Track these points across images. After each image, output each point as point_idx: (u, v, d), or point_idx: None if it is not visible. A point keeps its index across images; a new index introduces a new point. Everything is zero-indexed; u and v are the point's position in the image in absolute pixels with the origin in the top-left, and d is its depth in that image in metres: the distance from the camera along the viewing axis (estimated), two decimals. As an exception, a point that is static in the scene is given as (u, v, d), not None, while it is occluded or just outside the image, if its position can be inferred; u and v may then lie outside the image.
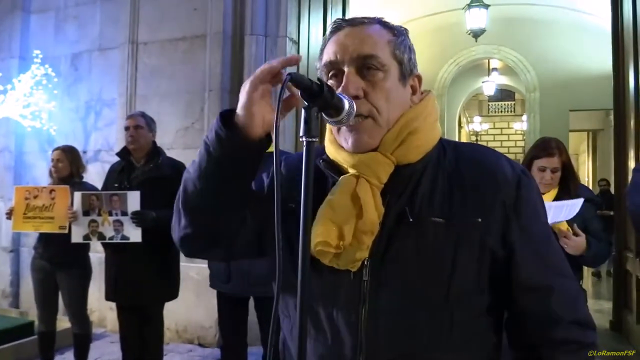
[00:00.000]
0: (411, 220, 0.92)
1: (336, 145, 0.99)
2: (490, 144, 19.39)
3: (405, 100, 0.99)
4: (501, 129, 19.31)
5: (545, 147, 2.60)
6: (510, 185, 0.94)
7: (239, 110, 0.88)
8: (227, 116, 0.90)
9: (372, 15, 1.00)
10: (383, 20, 1.00)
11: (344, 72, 0.94)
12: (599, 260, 2.66)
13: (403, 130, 0.95)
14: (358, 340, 0.94)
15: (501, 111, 19.40)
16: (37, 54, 4.79)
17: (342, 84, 0.93)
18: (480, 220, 0.92)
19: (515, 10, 9.49)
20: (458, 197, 0.93)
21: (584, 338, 0.95)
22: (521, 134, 17.43)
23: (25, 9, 5.27)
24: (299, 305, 0.80)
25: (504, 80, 13.77)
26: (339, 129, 0.97)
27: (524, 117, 13.90)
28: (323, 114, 0.87)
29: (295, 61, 0.89)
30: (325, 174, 1.01)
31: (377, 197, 0.93)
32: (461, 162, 0.97)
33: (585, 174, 13.59)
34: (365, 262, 0.94)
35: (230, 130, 0.87)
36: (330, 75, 0.97)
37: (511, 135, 18.69)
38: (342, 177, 0.96)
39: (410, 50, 1.00)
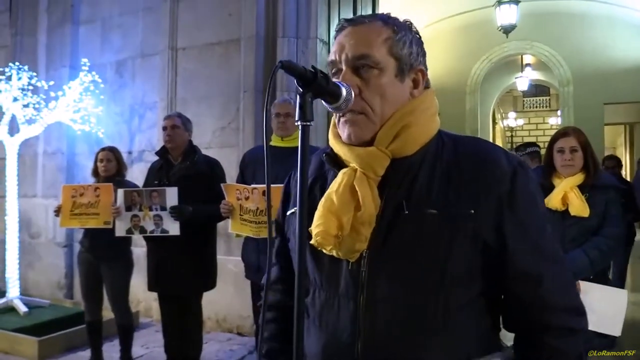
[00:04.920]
0: (407, 212, 0.95)
1: (337, 138, 1.03)
2: (526, 139, 18.96)
3: (403, 95, 1.01)
4: (536, 124, 18.91)
5: (561, 131, 2.71)
6: (505, 178, 0.95)
7: None
8: None
9: (377, 13, 1.07)
10: (387, 16, 1.03)
11: (342, 70, 1.00)
12: (606, 258, 2.57)
13: (397, 125, 0.98)
14: (357, 327, 0.96)
15: (536, 106, 19.00)
16: (84, 62, 5.02)
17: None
18: (473, 211, 0.93)
19: (546, 5, 9.40)
20: (453, 189, 0.95)
21: (576, 324, 0.97)
22: (557, 128, 17.06)
23: (75, 21, 5.54)
24: (297, 288, 0.86)
25: (538, 76, 13.55)
26: (339, 121, 1.02)
27: (559, 112, 13.63)
28: (323, 101, 0.93)
29: None
30: (326, 170, 1.08)
31: (374, 189, 0.97)
32: (459, 155, 0.99)
33: (623, 168, 13.20)
34: (364, 254, 0.97)
35: None
36: (333, 73, 1.02)
37: (546, 131, 18.26)
38: (341, 170, 1.01)
39: (412, 44, 1.02)
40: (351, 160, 1.00)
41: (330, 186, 1.00)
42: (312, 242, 0.98)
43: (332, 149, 1.06)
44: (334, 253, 0.97)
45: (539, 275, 0.96)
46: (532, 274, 0.96)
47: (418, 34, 1.06)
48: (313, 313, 1.05)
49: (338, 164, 1.03)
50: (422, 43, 1.05)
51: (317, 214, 0.98)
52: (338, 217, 0.96)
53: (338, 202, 0.97)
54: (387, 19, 1.03)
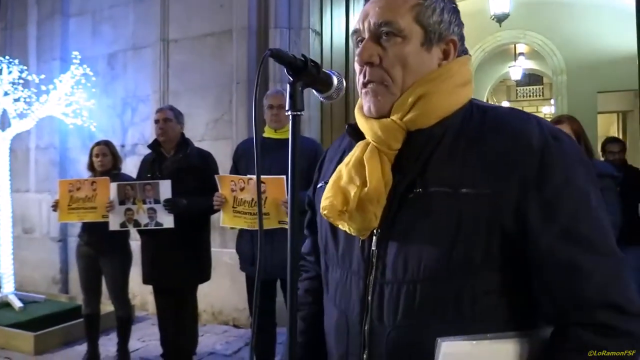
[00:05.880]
0: (419, 190, 0.89)
1: (359, 111, 0.99)
2: (519, 130, 19.06)
3: (429, 66, 0.94)
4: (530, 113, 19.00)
5: (555, 118, 2.73)
6: (534, 154, 0.84)
7: None
8: None
9: None
10: None
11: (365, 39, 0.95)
12: None
13: (414, 94, 0.91)
14: (365, 307, 0.94)
15: (530, 95, 19.04)
16: (75, 55, 4.98)
17: (358, 52, 0.94)
18: (489, 191, 0.84)
19: (539, -7, 9.39)
20: (473, 165, 0.87)
21: (618, 323, 0.80)
22: (550, 117, 17.12)
23: (64, 13, 5.50)
24: (289, 266, 0.85)
25: (531, 65, 13.54)
26: (361, 93, 0.98)
27: (553, 101, 13.66)
28: (314, 91, 0.91)
29: None
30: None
31: (386, 165, 0.92)
32: (485, 127, 0.90)
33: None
34: (375, 232, 0.93)
35: None
36: (357, 42, 0.97)
37: (540, 120, 18.36)
38: (357, 143, 0.97)
39: (443, 12, 0.95)
40: (365, 133, 0.95)
41: (345, 159, 0.97)
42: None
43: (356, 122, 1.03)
44: (347, 229, 0.95)
45: (570, 265, 0.82)
46: (562, 264, 0.82)
47: (454, 2, 0.98)
48: (331, 289, 1.03)
49: (360, 136, 0.99)
50: (457, 12, 0.98)
51: (327, 187, 0.96)
52: (344, 192, 0.93)
53: (345, 176, 0.94)
54: None
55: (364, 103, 0.97)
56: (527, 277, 0.86)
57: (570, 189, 0.84)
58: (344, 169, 0.95)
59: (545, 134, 0.86)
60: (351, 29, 1.01)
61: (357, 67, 0.97)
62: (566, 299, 0.83)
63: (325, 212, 0.94)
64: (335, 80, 0.90)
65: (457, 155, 0.89)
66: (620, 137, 13.12)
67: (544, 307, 0.87)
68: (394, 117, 0.92)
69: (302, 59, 0.85)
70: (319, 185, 1.11)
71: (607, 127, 14.33)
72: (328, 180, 1.01)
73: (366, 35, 0.94)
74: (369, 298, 0.93)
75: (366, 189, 0.90)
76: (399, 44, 0.92)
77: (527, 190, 0.83)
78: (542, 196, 0.83)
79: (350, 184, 0.92)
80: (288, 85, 0.86)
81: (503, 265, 0.86)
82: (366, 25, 0.94)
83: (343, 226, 0.95)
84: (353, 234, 0.95)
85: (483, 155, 0.86)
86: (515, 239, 0.84)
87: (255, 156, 0.86)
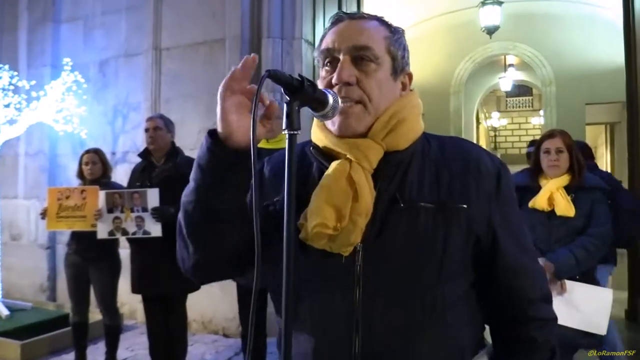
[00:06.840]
0: (402, 205, 0.95)
1: (325, 130, 1.02)
2: (509, 139, 19.25)
3: (395, 94, 1.03)
4: (519, 124, 19.14)
5: (548, 132, 2.76)
6: (492, 176, 1.00)
7: (217, 123, 0.91)
8: (215, 131, 0.93)
9: (372, 14, 1.06)
10: (382, 18, 1.05)
11: (339, 60, 0.98)
12: (593, 257, 2.51)
13: (393, 118, 0.99)
14: (353, 322, 0.94)
15: (519, 106, 19.26)
16: (67, 62, 4.97)
17: (337, 71, 0.97)
18: (465, 206, 0.96)
19: (529, 6, 9.48)
20: (445, 184, 0.97)
21: (550, 314, 1.05)
22: (539, 128, 17.29)
23: (56, 19, 5.48)
24: (285, 296, 0.84)
25: (521, 76, 13.67)
26: None
27: (542, 112, 13.81)
28: (310, 109, 0.91)
29: (252, 62, 0.90)
30: (307, 164, 1.04)
31: (370, 180, 0.96)
32: (446, 152, 1.02)
33: (604, 167, 13.40)
34: (358, 247, 0.95)
35: (216, 141, 0.91)
36: (326, 62, 1.01)
37: (529, 130, 18.49)
38: (334, 161, 0.98)
39: (405, 49, 1.05)
40: (344, 152, 0.97)
41: (324, 177, 0.97)
42: (303, 236, 0.94)
43: (315, 143, 1.04)
44: (327, 247, 0.95)
45: (524, 268, 1.03)
46: (519, 267, 1.02)
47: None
48: (303, 315, 0.99)
49: (324, 156, 1.01)
50: (408, 50, 1.08)
51: (313, 205, 0.95)
52: (337, 207, 0.93)
53: (336, 192, 0.94)
54: (382, 20, 1.05)
55: (333, 122, 0.98)
56: (485, 280, 1.03)
57: (515, 208, 1.07)
58: (332, 184, 0.95)
59: (496, 161, 1.04)
60: (320, 47, 1.02)
61: (324, 83, 0.99)
62: (522, 295, 1.02)
63: (315, 230, 0.92)
64: (330, 99, 0.90)
65: (427, 176, 0.99)
66: (608, 147, 13.29)
67: (499, 304, 1.04)
68: (375, 138, 0.97)
69: (299, 78, 0.86)
70: (270, 208, 1.04)
71: (595, 138, 14.50)
72: (275, 202, 1.01)
73: (341, 55, 0.98)
74: (360, 312, 0.94)
75: (357, 203, 0.93)
76: (374, 70, 0.98)
77: (490, 206, 0.99)
78: (501, 211, 1.01)
79: (343, 200, 0.93)
80: (285, 105, 0.86)
81: (476, 270, 1.01)
82: (343, 46, 0.98)
83: (323, 245, 0.94)
84: (333, 251, 0.95)
85: (451, 176, 0.98)
86: (486, 247, 1.00)
87: (252, 168, 0.85)
